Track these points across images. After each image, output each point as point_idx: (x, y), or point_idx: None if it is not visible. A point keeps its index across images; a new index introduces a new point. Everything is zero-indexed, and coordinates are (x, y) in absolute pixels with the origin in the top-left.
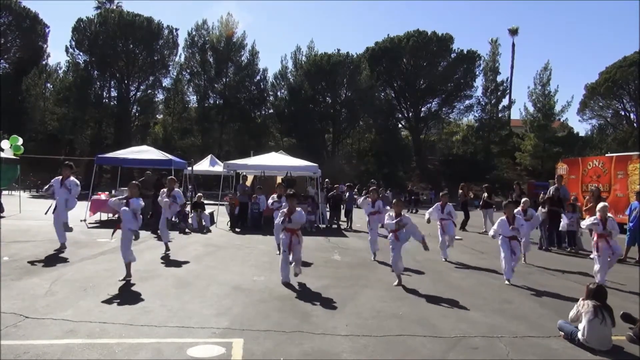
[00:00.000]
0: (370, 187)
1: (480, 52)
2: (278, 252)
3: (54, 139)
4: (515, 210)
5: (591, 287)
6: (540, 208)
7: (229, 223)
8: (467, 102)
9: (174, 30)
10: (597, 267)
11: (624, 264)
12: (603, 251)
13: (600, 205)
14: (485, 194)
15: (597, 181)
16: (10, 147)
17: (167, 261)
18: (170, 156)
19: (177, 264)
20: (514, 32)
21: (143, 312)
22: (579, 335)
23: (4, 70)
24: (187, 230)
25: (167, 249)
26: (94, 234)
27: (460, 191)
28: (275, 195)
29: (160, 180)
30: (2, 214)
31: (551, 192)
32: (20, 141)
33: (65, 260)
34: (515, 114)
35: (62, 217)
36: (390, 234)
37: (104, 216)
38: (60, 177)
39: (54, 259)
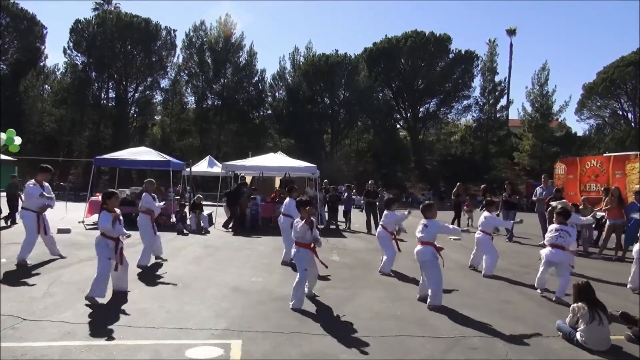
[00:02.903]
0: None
1: (478, 53)
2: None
3: (52, 141)
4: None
5: (579, 285)
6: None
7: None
8: (465, 102)
9: (172, 31)
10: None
11: (624, 262)
12: None
13: None
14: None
15: (595, 181)
16: (4, 139)
17: (166, 263)
18: (168, 157)
19: (176, 265)
20: (511, 32)
21: (141, 314)
22: (578, 336)
23: (2, 72)
24: (185, 231)
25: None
26: (92, 236)
27: (455, 190)
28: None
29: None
30: (0, 216)
31: (542, 194)
32: (19, 140)
33: (63, 262)
34: (514, 114)
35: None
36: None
37: None
38: (35, 181)
39: (51, 261)
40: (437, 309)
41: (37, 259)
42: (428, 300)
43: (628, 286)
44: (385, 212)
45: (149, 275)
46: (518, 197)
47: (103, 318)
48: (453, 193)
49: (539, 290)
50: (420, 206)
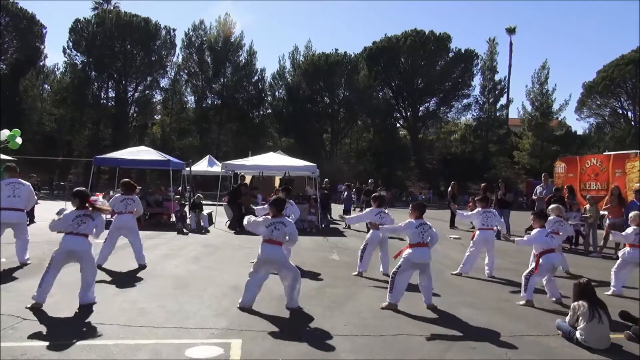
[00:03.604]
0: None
1: (478, 51)
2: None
3: (52, 140)
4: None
5: (580, 284)
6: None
7: (226, 223)
8: (465, 101)
9: (172, 31)
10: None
11: None
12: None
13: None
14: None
15: (595, 179)
16: (7, 136)
17: (166, 262)
18: (168, 157)
19: (176, 264)
20: (511, 31)
21: (141, 313)
22: (577, 334)
23: (2, 71)
24: (184, 230)
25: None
26: None
27: (449, 189)
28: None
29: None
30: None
31: (542, 192)
32: (20, 141)
33: None
34: (513, 113)
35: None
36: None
37: None
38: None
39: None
40: (433, 307)
41: (36, 258)
42: (427, 299)
43: (611, 291)
44: (387, 211)
45: (149, 275)
46: (513, 195)
47: (103, 318)
48: (448, 192)
49: (553, 298)
50: (419, 205)
